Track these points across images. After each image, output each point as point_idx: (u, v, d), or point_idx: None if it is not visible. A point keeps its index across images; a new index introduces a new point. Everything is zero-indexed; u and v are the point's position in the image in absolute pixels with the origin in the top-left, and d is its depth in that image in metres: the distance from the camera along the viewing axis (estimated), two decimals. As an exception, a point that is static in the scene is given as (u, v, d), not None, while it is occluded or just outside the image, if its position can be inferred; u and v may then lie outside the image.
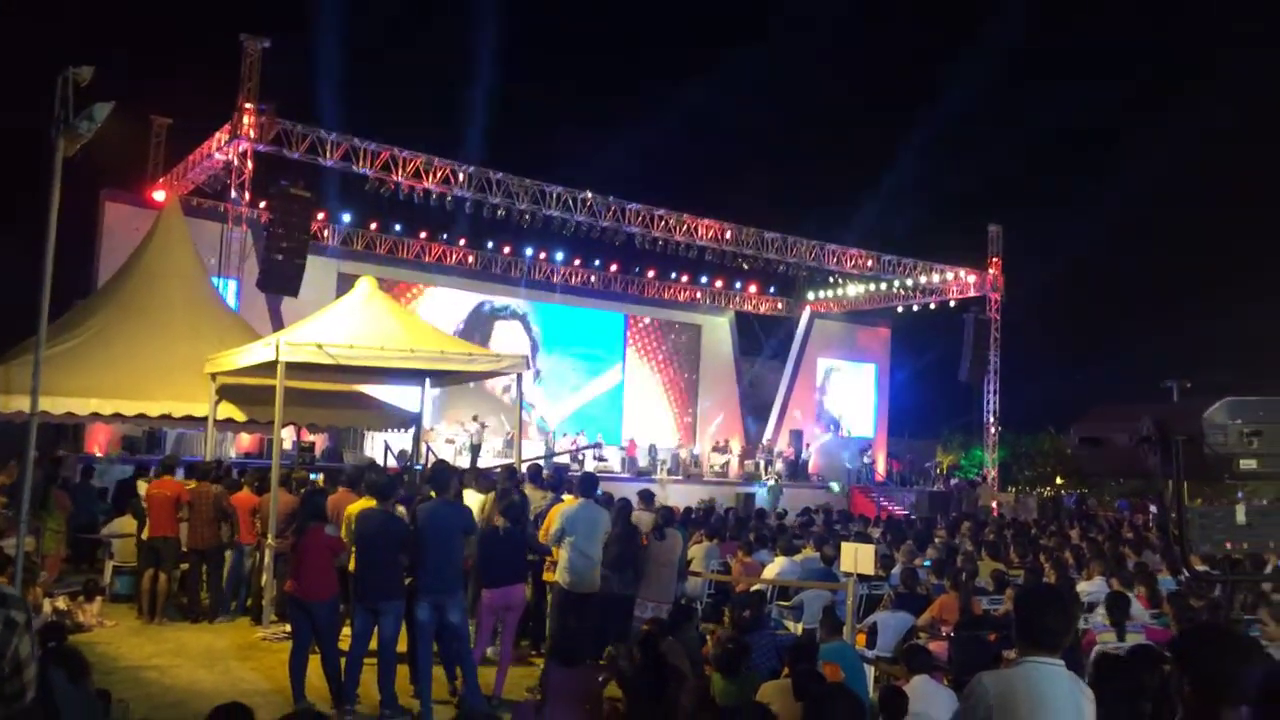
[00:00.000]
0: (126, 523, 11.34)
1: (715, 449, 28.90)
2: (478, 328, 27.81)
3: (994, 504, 28.03)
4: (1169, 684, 3.14)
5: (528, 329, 28.86)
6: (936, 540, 13.82)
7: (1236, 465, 3.33)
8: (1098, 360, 40.65)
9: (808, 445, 30.42)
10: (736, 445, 29.25)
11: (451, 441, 23.09)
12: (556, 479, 10.74)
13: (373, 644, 7.29)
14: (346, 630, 7.60)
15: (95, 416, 12.85)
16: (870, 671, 7.58)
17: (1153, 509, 20.21)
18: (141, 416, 13.03)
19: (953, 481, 32.20)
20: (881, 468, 31.89)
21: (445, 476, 7.86)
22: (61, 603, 9.49)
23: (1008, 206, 45.66)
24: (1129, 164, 51.43)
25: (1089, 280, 46.12)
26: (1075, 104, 56.06)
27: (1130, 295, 46.19)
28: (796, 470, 28.39)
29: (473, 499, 9.25)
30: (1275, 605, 5.94)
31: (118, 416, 12.85)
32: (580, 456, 23.96)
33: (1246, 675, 2.48)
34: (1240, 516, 3.35)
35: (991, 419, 29.86)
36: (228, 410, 12.66)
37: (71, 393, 12.16)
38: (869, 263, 28.76)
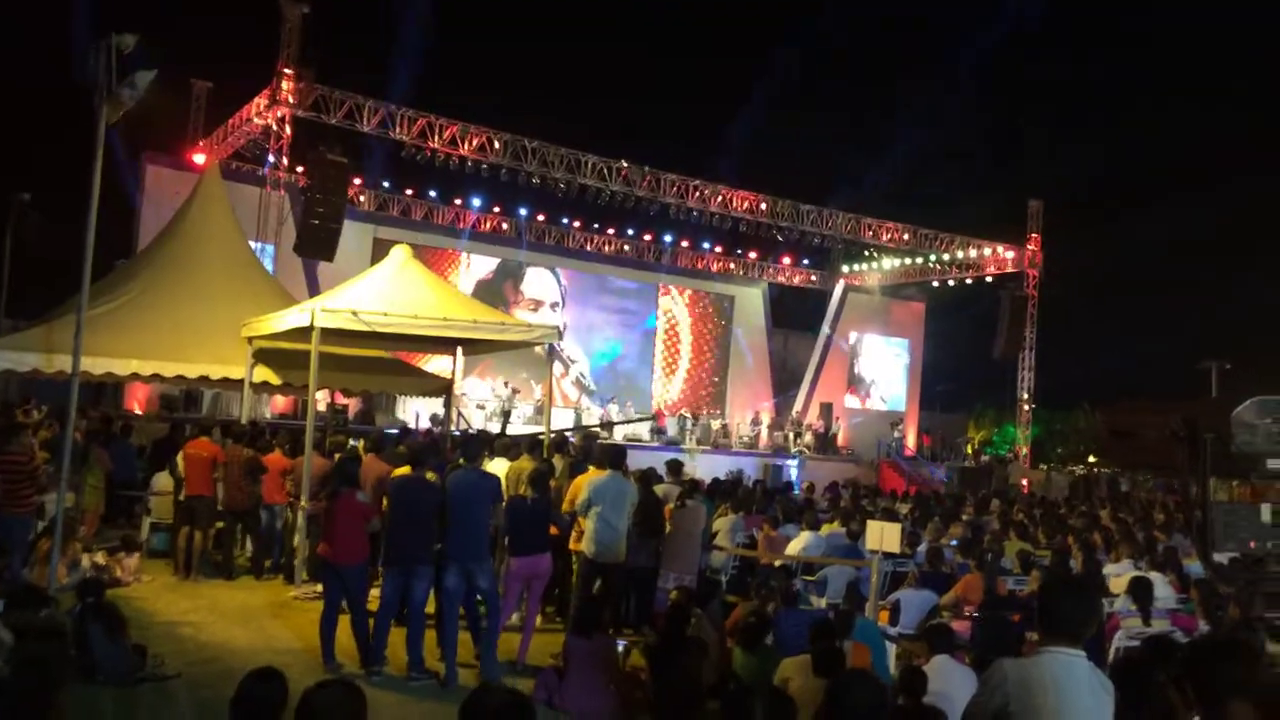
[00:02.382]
0: (164, 480, 11.59)
1: (747, 420, 28.93)
2: (510, 272, 27.96)
3: (1024, 481, 27.86)
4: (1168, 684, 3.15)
5: (558, 280, 28.89)
6: (964, 518, 13.78)
7: (1264, 464, 3.32)
8: (1136, 338, 40.16)
9: (837, 418, 30.34)
10: (766, 417, 29.25)
11: (482, 406, 23.29)
12: (585, 450, 10.81)
13: (402, 607, 7.46)
14: (376, 592, 7.76)
15: (134, 377, 13.10)
16: (892, 649, 7.62)
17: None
18: (179, 378, 13.28)
19: (983, 458, 32.01)
20: (911, 442, 31.75)
21: (476, 446, 8.02)
22: (100, 558, 9.73)
23: (1048, 181, 44.87)
24: (1174, 139, 50.40)
25: (1128, 257, 45.35)
26: (1120, 75, 54.87)
27: (1170, 273, 45.36)
28: (825, 444, 28.34)
29: (499, 466, 9.37)
30: None
31: (156, 377, 13.09)
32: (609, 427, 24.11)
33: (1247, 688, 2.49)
34: (1265, 515, 3.34)
35: (1025, 395, 29.60)
36: (263, 374, 12.86)
37: (112, 353, 12.38)
38: (905, 236, 28.47)
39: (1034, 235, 28.92)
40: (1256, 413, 3.43)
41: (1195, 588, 8.14)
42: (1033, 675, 3.35)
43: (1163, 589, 8.48)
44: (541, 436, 11.64)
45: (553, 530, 8.57)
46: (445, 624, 7.46)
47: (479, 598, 7.67)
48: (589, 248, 29.59)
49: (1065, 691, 3.29)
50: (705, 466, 20.95)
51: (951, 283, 30.64)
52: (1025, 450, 29.98)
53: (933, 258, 29.65)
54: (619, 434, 23.56)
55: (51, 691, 3.59)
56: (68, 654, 5.45)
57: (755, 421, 28.72)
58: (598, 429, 22.38)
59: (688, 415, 27.25)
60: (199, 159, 21.73)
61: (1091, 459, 35.36)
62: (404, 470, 7.80)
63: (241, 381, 12.67)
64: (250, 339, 12.33)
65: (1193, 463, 3.39)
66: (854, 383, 32.37)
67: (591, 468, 9.33)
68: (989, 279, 29.62)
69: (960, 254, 29.41)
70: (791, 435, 27.59)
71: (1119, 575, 9.18)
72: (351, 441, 12.60)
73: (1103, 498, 22.87)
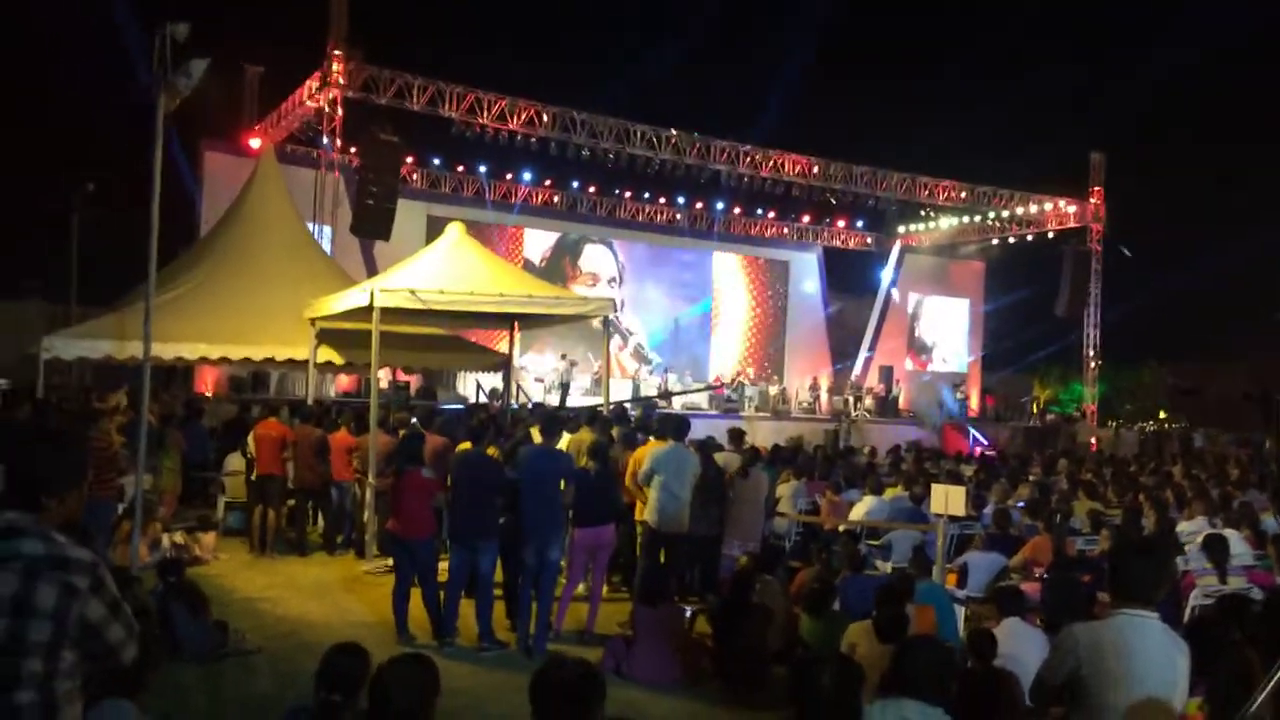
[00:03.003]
0: (236, 460, 11.89)
1: (805, 386, 28.76)
2: (567, 249, 28.06)
3: (1093, 440, 27.34)
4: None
5: (615, 255, 28.94)
6: (1031, 479, 13.58)
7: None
8: (1205, 290, 38.93)
9: (898, 382, 30.01)
10: (825, 382, 29.03)
11: (541, 380, 23.46)
12: (645, 420, 10.85)
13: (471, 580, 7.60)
14: (444, 565, 7.90)
15: (203, 360, 13.44)
16: (961, 612, 7.57)
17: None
18: (246, 360, 13.59)
19: (1049, 416, 31.46)
20: (975, 403, 31.31)
21: (555, 425, 8.12)
22: (179, 537, 10.05)
23: (1111, 133, 43.50)
24: (1237, 88, 48.55)
25: (1194, 206, 43.93)
26: (1183, 23, 52.87)
27: (1235, 222, 43.88)
28: (886, 407, 28.06)
29: (560, 440, 9.43)
30: None
31: (224, 360, 13.43)
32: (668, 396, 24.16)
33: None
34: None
35: (1091, 352, 28.99)
36: (326, 354, 13.11)
37: (180, 338, 12.72)
38: (962, 194, 27.92)
39: (1096, 189, 28.19)
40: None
41: (1272, 543, 7.97)
42: (1104, 638, 3.31)
43: (1238, 545, 8.30)
44: (600, 409, 11.70)
45: (628, 499, 8.65)
46: (520, 596, 7.59)
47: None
48: (641, 219, 29.51)
49: (1137, 654, 3.25)
50: (765, 433, 20.91)
51: (1012, 240, 30.01)
52: (1093, 408, 29.41)
53: (991, 215, 29.06)
54: (677, 404, 23.60)
55: (144, 672, 3.72)
56: (155, 633, 5.63)
57: (814, 387, 28.55)
58: (656, 399, 22.45)
59: (746, 383, 27.15)
60: (255, 144, 22.03)
61: (1162, 415, 34.55)
62: (465, 446, 7.92)
63: (306, 362, 12.91)
64: (312, 320, 12.55)
65: (1265, 420, 3.30)
66: (914, 345, 31.99)
67: (651, 438, 9.37)
68: (1050, 235, 28.95)
69: (1020, 210, 28.78)
70: (852, 400, 27.37)
71: (1194, 533, 9.02)
72: (413, 419, 12.82)
73: (1175, 454, 22.37)
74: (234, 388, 19.33)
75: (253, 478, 10.89)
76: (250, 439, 10.94)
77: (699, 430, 11.38)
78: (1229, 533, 8.38)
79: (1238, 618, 4.74)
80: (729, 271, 31.04)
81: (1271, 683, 2.92)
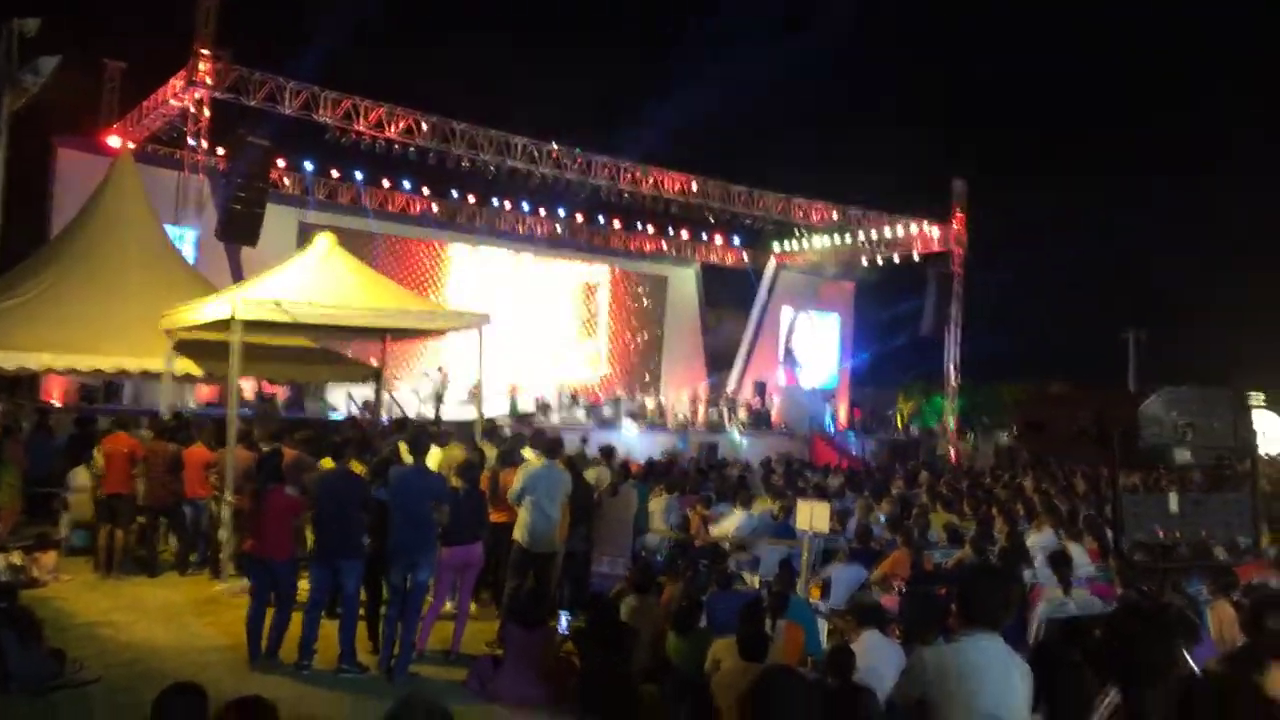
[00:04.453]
0: (83, 475, 11.24)
1: (683, 399, 29.08)
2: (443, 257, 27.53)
3: (952, 452, 28.47)
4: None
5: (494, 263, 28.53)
6: (893, 491, 14.05)
7: (1171, 456, 3.43)
8: (1061, 309, 41.23)
9: (771, 395, 30.69)
10: (701, 395, 29.43)
11: (416, 392, 23.00)
12: (517, 438, 10.75)
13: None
14: (304, 584, 7.67)
15: (49, 371, 12.70)
16: (824, 625, 7.75)
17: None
18: (96, 372, 12.89)
19: (912, 429, 32.62)
20: (843, 416, 32.26)
21: (423, 441, 7.99)
22: (16, 557, 9.44)
23: (973, 158, 45.64)
24: (1096, 116, 51.68)
25: (1054, 230, 46.48)
26: (1040, 54, 55.86)
27: (1093, 248, 46.70)
28: (760, 420, 28.64)
29: (430, 455, 9.28)
30: None
31: (72, 371, 12.71)
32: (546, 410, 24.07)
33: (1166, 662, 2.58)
34: (1173, 505, 3.46)
35: (952, 368, 30.20)
36: (184, 366, 12.56)
37: (25, 347, 12.01)
38: (834, 215, 28.76)
39: (958, 213, 29.42)
40: (1164, 406, 3.54)
41: (1114, 557, 8.43)
42: (950, 663, 3.43)
43: (1081, 558, 8.76)
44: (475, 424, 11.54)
45: (498, 517, 8.54)
46: (388, 617, 7.42)
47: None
48: (521, 230, 29.33)
49: (981, 677, 3.38)
50: (642, 446, 21.02)
51: (880, 261, 31.04)
52: (953, 422, 30.61)
53: (861, 236, 29.99)
54: (554, 418, 23.52)
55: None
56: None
57: (692, 399, 28.89)
58: (532, 414, 22.33)
59: (622, 396, 27.29)
60: (113, 142, 20.95)
61: (1016, 429, 36.17)
62: (327, 462, 7.71)
63: (162, 374, 12.34)
64: (169, 331, 12.00)
65: (1103, 456, 3.49)
66: (786, 360, 32.74)
67: (528, 454, 9.30)
68: (916, 257, 30.06)
69: (888, 232, 29.78)
70: (726, 412, 27.82)
71: (1043, 546, 9.46)
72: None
73: (1026, 465, 23.48)
74: (84, 397, 18.31)
75: (100, 495, 10.32)
76: (98, 453, 10.37)
77: (576, 444, 11.38)
78: (1073, 546, 8.84)
79: (1079, 640, 4.98)
80: (609, 285, 31.10)
81: (1105, 705, 3.08)
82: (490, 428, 10.90)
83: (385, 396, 16.38)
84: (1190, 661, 3.81)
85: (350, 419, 17.16)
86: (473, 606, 8.29)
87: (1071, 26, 54.53)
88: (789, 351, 32.94)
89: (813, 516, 8.86)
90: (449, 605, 8.17)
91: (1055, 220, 46.07)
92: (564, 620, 7.82)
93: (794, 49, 53.64)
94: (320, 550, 7.47)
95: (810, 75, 51.26)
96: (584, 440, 18.05)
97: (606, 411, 25.68)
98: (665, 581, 8.11)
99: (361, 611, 7.62)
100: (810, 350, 33.34)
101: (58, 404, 17.91)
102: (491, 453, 9.72)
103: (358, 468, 8.20)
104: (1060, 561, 7.83)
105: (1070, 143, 52.45)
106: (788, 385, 32.26)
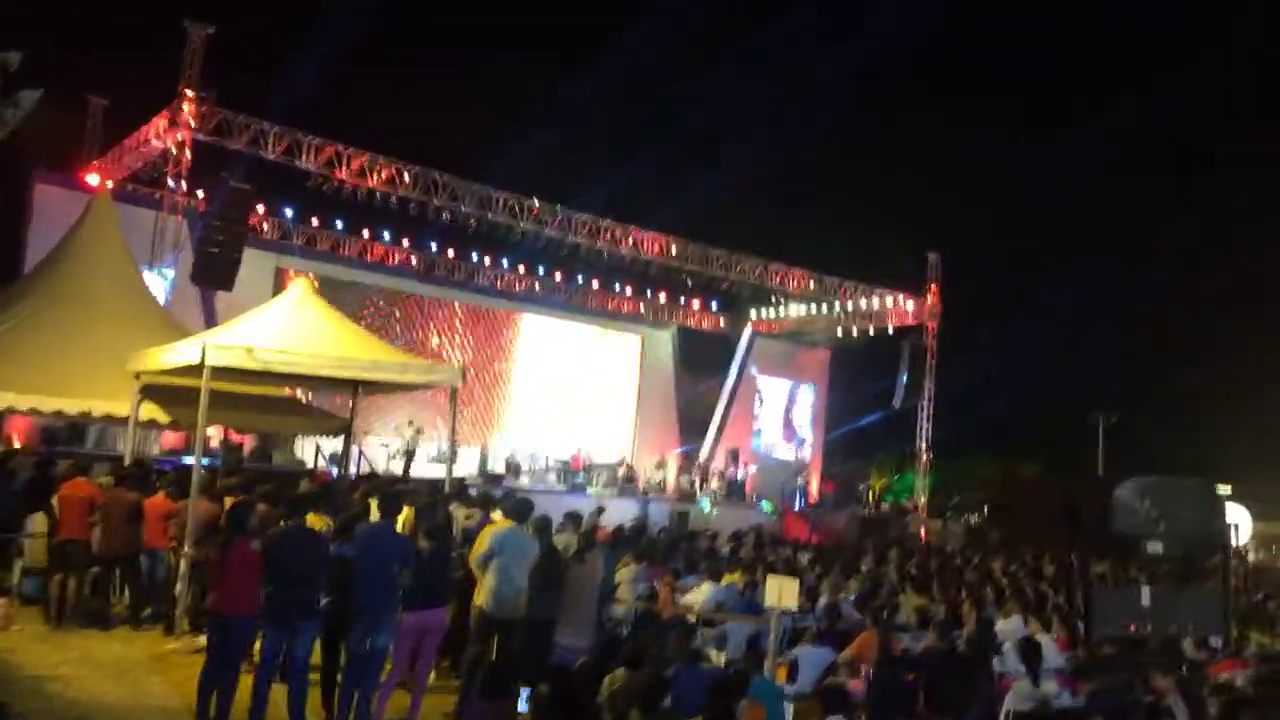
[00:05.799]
0: (40, 521, 10.93)
1: (654, 465, 28.90)
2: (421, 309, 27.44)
3: (922, 530, 28.41)
4: None
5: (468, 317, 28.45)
6: (863, 569, 13.93)
7: (1143, 547, 3.41)
8: (1032, 389, 41.63)
9: (745, 464, 30.50)
10: (673, 461, 29.25)
11: (386, 445, 22.73)
12: (485, 497, 10.61)
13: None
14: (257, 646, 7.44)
15: (10, 411, 12.45)
16: (790, 709, 7.60)
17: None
18: (59, 414, 12.64)
19: (883, 505, 32.55)
20: (815, 489, 32.14)
21: (394, 503, 7.83)
22: (-37, 605, 9.14)
23: (948, 232, 46.41)
24: (1062, 189, 52.99)
25: (1024, 307, 47.24)
26: (1012, 124, 57.28)
27: (1063, 325, 47.38)
28: (732, 489, 28.45)
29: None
30: None
31: (34, 411, 12.47)
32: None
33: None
34: (1145, 599, 3.42)
35: (924, 445, 30.26)
36: (150, 411, 12.34)
37: (-14, 384, 11.75)
38: (810, 284, 29.02)
39: (933, 287, 29.75)
40: (1135, 494, 3.52)
41: (1082, 646, 8.37)
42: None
43: (1050, 648, 8.66)
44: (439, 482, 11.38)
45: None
46: (345, 683, 7.20)
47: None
48: (499, 285, 29.34)
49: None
50: (613, 511, 20.78)
51: (855, 332, 31.26)
52: (924, 499, 30.59)
53: (837, 306, 30.23)
54: (524, 479, 23.31)
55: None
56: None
57: (660, 465, 28.70)
58: (500, 475, 22.13)
59: (592, 462, 27.00)
60: (92, 179, 20.87)
61: (987, 508, 36.23)
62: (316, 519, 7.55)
63: (127, 419, 12.11)
64: (137, 373, 11.81)
65: (1072, 544, 3.47)
66: (760, 429, 32.69)
67: (496, 516, 9.15)
68: (890, 329, 30.31)
69: (864, 303, 30.04)
70: (698, 480, 27.62)
71: (1011, 632, 9.38)
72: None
73: (995, 546, 23.40)
74: (46, 440, 17.93)
75: (54, 541, 10.03)
76: (55, 499, 10.11)
77: (545, 508, 11.15)
78: (1041, 636, 8.75)
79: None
80: (584, 345, 31.01)
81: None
82: (460, 487, 10.74)
83: (354, 450, 16.16)
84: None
85: (309, 471, 16.88)
86: (430, 675, 8.07)
87: (1054, 107, 55.96)
88: (788, 423, 33.02)
89: (782, 592, 8.72)
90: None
91: (1028, 300, 46.88)
92: (524, 696, 7.61)
93: (777, 122, 54.64)
94: (274, 609, 7.23)
95: (793, 142, 52.17)
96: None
97: (578, 476, 25.44)
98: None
99: (314, 677, 7.39)
100: (784, 419, 33.40)
101: (19, 444, 17.55)
102: (460, 514, 9.57)
103: (318, 523, 8.02)
104: (1029, 651, 7.74)
105: (1046, 222, 53.56)
106: (762, 454, 32.10)
